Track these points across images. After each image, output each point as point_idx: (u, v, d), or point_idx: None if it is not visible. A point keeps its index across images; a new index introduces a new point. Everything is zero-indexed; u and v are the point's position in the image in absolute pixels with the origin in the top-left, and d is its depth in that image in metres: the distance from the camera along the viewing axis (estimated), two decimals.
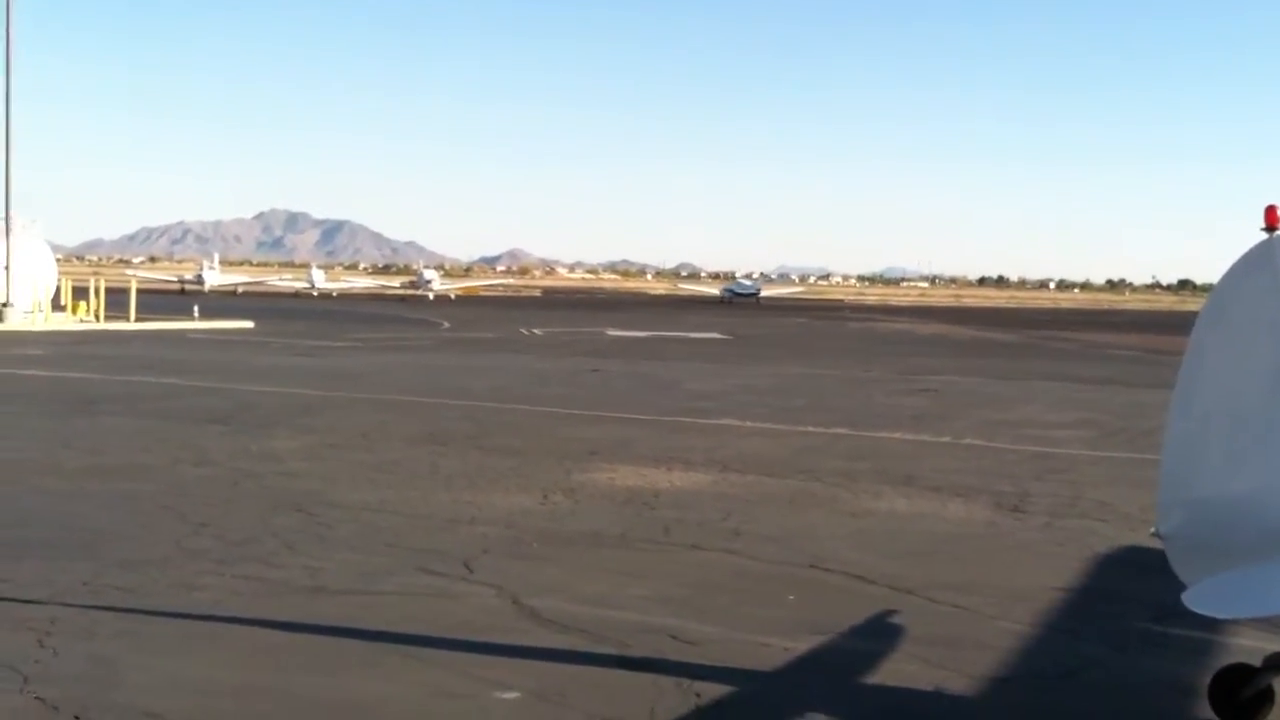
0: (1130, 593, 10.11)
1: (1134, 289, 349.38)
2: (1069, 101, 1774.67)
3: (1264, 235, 6.27)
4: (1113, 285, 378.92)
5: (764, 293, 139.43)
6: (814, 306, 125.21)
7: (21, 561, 10.05)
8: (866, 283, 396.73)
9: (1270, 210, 6.23)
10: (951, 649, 8.28)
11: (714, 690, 7.35)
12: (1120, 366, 41.24)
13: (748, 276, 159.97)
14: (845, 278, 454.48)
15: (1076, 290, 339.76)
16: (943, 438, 20.02)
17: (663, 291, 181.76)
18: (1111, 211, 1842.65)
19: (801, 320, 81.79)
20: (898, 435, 20.24)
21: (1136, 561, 11.03)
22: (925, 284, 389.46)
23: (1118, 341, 60.46)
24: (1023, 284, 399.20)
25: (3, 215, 49.42)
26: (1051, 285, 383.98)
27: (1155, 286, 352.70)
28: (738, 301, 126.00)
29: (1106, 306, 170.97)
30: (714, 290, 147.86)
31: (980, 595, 9.77)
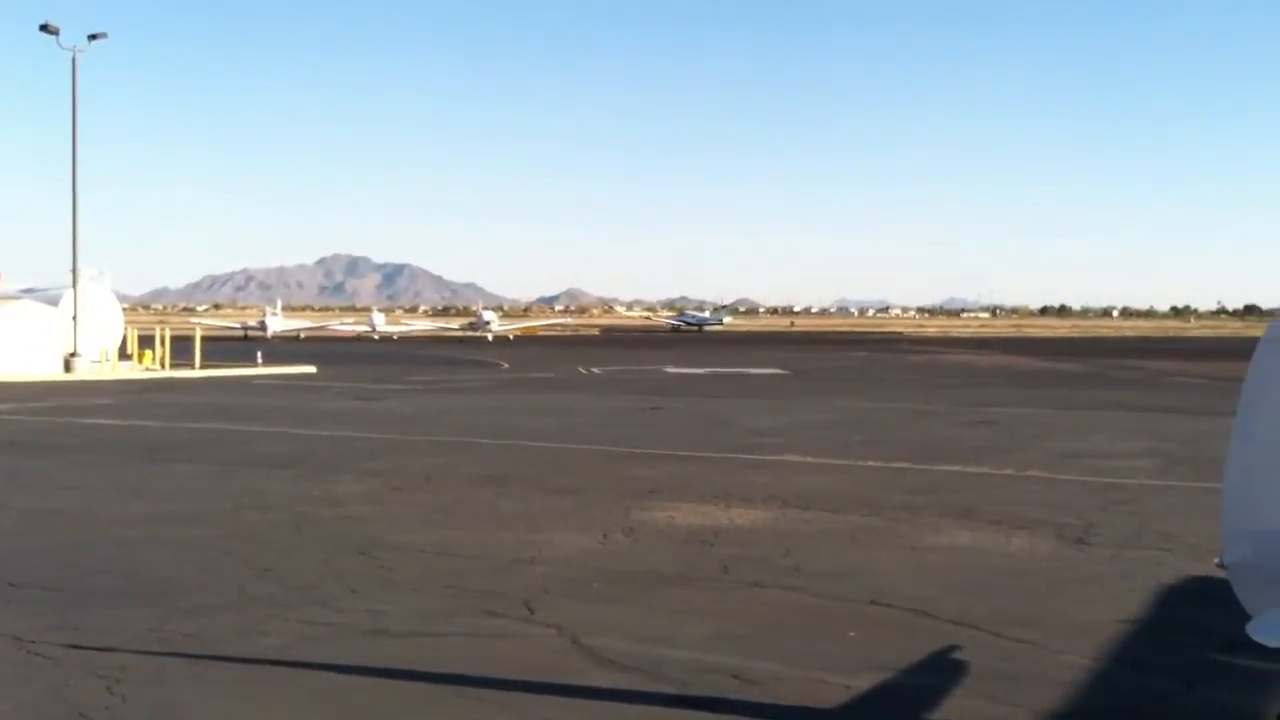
0: (1197, 624, 9.98)
1: (1199, 315, 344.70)
2: (1129, 127, 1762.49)
3: None
4: (1177, 312, 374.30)
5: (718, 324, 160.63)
6: (871, 340, 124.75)
7: (92, 609, 10.22)
8: (926, 314, 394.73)
9: None
10: (1016, 684, 8.22)
11: None
12: (1186, 394, 40.72)
13: (716, 309, 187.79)
14: (905, 310, 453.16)
15: (1140, 318, 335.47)
16: (1005, 470, 19.86)
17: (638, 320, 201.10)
18: (1175, 238, 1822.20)
19: (861, 354, 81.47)
20: (959, 468, 20.11)
21: (1203, 592, 10.90)
22: (986, 315, 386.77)
23: (1183, 369, 59.68)
24: (1085, 313, 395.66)
25: (71, 267, 50.39)
26: (1115, 313, 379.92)
27: (1221, 312, 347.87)
28: (685, 332, 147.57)
29: (1171, 334, 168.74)
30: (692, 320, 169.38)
31: (1045, 629, 9.68)
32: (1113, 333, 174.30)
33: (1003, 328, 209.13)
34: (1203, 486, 16.95)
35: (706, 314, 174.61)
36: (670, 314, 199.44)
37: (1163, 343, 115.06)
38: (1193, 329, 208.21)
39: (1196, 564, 12.01)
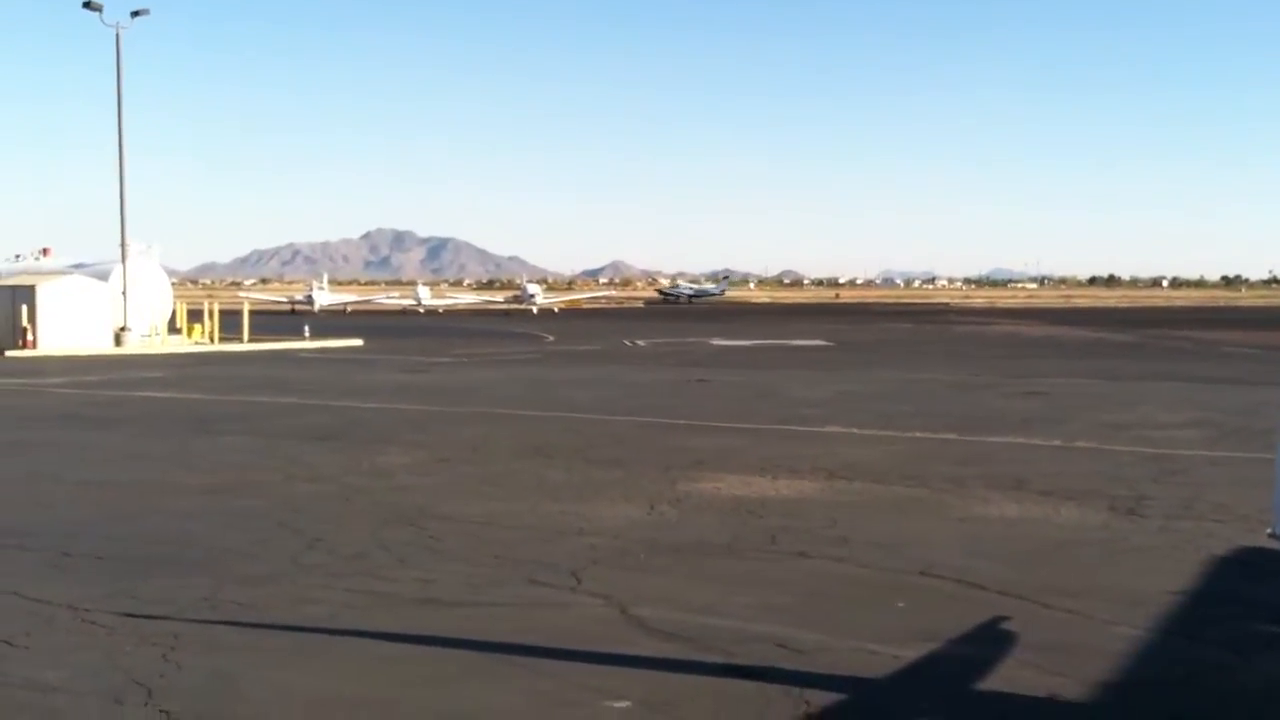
0: (1249, 595, 9.89)
1: (1250, 285, 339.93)
2: (1178, 96, 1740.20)
3: None
4: (1228, 282, 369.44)
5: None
6: (917, 311, 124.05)
7: (146, 579, 10.34)
8: (973, 285, 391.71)
9: None
10: (1066, 654, 8.15)
11: (823, 698, 7.32)
12: (1237, 365, 40.26)
13: (715, 280, 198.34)
14: (951, 280, 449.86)
15: (1191, 288, 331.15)
16: (1054, 441, 19.70)
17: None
18: (1226, 207, 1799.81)
19: (908, 325, 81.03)
20: (1007, 439, 19.96)
21: (1255, 563, 10.80)
22: (1033, 285, 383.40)
23: (1234, 339, 58.99)
24: (1134, 283, 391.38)
25: (120, 242, 50.87)
26: (1164, 283, 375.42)
27: (1273, 282, 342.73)
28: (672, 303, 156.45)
29: (1222, 303, 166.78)
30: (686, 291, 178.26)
31: (1095, 599, 9.61)
32: (1163, 303, 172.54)
33: (1051, 298, 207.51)
34: (1255, 458, 16.73)
35: (708, 285, 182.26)
36: (658, 287, 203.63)
37: (1214, 313, 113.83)
38: (1244, 299, 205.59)
39: (1249, 535, 11.86)
